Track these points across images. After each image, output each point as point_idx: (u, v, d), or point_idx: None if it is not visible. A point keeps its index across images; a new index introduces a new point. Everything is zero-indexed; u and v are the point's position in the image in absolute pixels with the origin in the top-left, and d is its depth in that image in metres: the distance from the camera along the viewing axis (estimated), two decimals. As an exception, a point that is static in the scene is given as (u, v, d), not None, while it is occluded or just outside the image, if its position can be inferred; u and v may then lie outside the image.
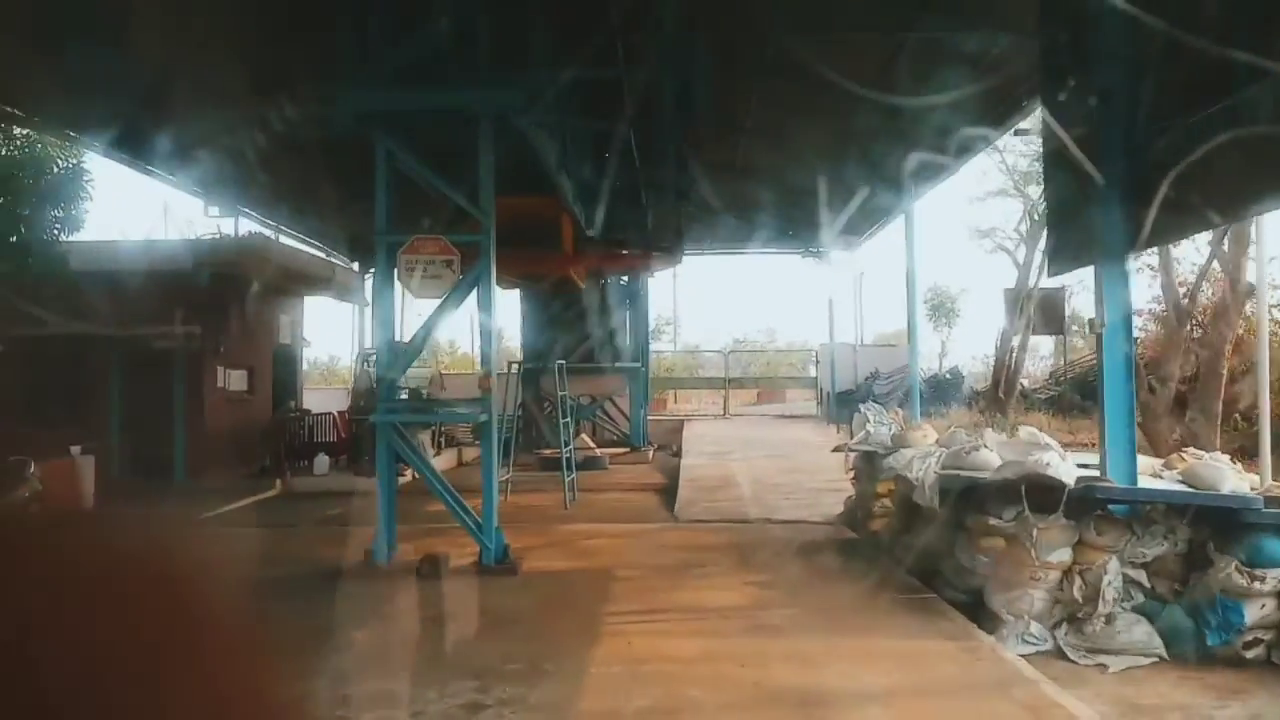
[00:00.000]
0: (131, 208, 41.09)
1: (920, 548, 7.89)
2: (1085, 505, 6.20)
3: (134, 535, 0.66)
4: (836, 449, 11.57)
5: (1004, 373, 19.85)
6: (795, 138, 14.13)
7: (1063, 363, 22.50)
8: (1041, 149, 8.87)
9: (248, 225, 17.05)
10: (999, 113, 11.86)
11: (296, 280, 17.52)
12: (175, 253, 15.24)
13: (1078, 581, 6.05)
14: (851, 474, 11.04)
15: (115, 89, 11.03)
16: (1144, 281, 21.85)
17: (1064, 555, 6.13)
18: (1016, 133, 14.09)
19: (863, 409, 10.11)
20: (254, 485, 14.62)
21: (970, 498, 7.01)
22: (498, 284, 17.37)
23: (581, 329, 18.84)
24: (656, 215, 13.77)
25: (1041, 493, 6.18)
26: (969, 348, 29.82)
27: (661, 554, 8.26)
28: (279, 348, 17.68)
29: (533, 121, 7.81)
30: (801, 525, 10.63)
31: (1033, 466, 6.20)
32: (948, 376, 21.76)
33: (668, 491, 13.82)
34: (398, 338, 7.74)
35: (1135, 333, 9.23)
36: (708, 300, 61.60)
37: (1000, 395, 19.44)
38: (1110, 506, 6.35)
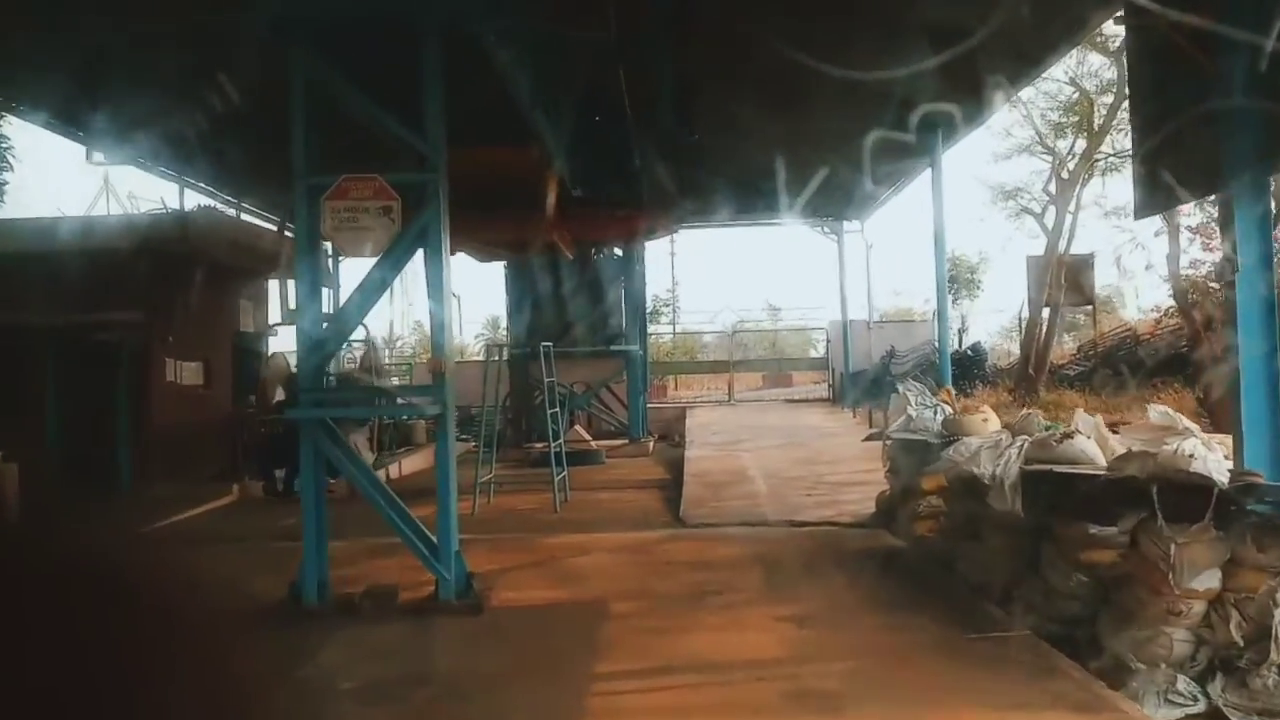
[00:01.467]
0: (67, 182, 39.10)
1: (990, 562, 6.30)
2: (1236, 512, 4.60)
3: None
4: (870, 437, 9.93)
5: (1034, 348, 18.23)
6: (805, 83, 12.49)
7: (1091, 336, 20.88)
8: (1126, 54, 7.22)
9: (201, 199, 15.43)
10: (1045, 41, 10.25)
11: (257, 259, 15.85)
12: (115, 230, 13.62)
13: (1234, 616, 4.45)
14: (887, 466, 9.44)
15: (28, 43, 9.49)
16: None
17: (1212, 580, 4.53)
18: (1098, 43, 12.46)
19: (902, 389, 8.51)
20: (208, 491, 13.00)
21: (1065, 500, 5.41)
22: (472, 255, 15.81)
23: (573, 309, 17.22)
24: (651, 172, 12.08)
25: (1180, 495, 4.57)
26: (988, 322, 28.13)
27: (667, 574, 6.67)
28: (240, 336, 16.04)
29: (493, 32, 6.16)
30: (830, 529, 9.05)
31: (1169, 460, 4.59)
32: (969, 354, 20.15)
33: (671, 489, 12.24)
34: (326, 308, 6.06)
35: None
36: (707, 278, 59.30)
37: (1031, 372, 17.82)
38: (1260, 510, 4.74)
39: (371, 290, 5.76)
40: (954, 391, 19.02)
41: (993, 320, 26.49)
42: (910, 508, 8.28)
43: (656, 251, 27.03)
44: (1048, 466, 5.39)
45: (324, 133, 5.99)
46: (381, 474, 14.14)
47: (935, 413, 8.17)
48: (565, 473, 11.88)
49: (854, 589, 6.21)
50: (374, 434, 15.01)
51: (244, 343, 16.26)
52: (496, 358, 11.82)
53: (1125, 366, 18.50)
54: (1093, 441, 5.55)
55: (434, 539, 5.79)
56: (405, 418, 17.21)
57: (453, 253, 14.33)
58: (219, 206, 15.71)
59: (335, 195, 5.57)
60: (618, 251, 17.80)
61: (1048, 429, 6.25)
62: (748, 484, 11.83)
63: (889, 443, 9.14)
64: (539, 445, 16.46)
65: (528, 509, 11.48)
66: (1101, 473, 5.25)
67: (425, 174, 5.67)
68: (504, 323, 18.00)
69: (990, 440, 6.36)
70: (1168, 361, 18.85)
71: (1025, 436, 5.93)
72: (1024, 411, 6.46)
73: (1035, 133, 18.15)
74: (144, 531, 9.78)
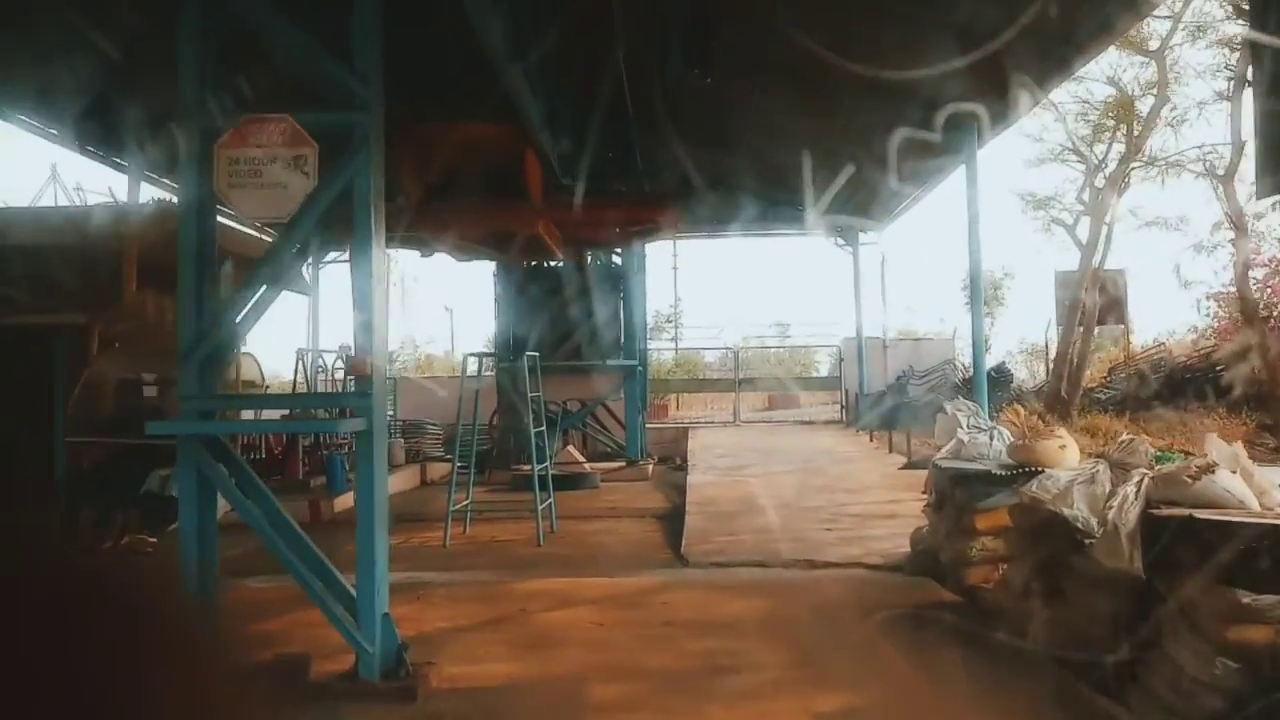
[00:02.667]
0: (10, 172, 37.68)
1: (1082, 629, 4.87)
2: None
3: None
4: (910, 465, 8.47)
5: (1066, 368, 16.80)
6: (829, 77, 11.18)
7: (1124, 356, 19.45)
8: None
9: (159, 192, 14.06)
10: (1078, 36, 9.03)
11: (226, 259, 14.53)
12: (59, 224, 12.27)
13: None
14: (928, 499, 8.01)
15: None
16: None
17: None
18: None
19: (950, 409, 7.12)
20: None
21: (1205, 555, 3.99)
22: (450, 253, 14.36)
23: (567, 320, 15.84)
24: (652, 155, 10.63)
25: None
26: (1012, 341, 26.65)
27: (665, 640, 5.22)
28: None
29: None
30: (861, 573, 7.64)
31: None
32: (994, 374, 18.71)
33: (671, 519, 10.82)
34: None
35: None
36: (712, 294, 57.32)
37: (1064, 394, 16.39)
38: None
39: (277, 264, 4.37)
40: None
41: (1017, 339, 25.03)
42: (959, 550, 6.85)
43: (659, 264, 25.72)
44: (1186, 512, 3.97)
45: (237, 70, 4.63)
46: (347, 499, 12.76)
47: (993, 438, 6.77)
48: (552, 499, 10.46)
49: (910, 664, 4.78)
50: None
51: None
52: (477, 370, 10.38)
53: (1163, 389, 17.08)
54: (1238, 478, 4.14)
55: (356, 594, 4.37)
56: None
57: (428, 249, 13.03)
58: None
59: (232, 142, 4.21)
60: (616, 259, 16.46)
61: (1160, 459, 4.84)
62: (758, 515, 10.40)
63: (933, 472, 7.72)
64: (526, 467, 15.06)
65: (507, 541, 10.07)
66: (1262, 521, 3.84)
67: (354, 113, 4.30)
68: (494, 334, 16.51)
69: (1083, 473, 4.95)
70: (1207, 384, 17.41)
71: (1141, 470, 4.50)
72: (1125, 437, 5.05)
73: (1068, 137, 16.78)
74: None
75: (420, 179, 8.72)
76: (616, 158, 10.16)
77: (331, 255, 19.47)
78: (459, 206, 9.26)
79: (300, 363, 13.55)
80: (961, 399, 7.72)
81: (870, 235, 19.13)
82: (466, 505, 10.58)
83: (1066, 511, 4.80)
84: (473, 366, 10.50)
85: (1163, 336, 20.73)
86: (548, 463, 10.70)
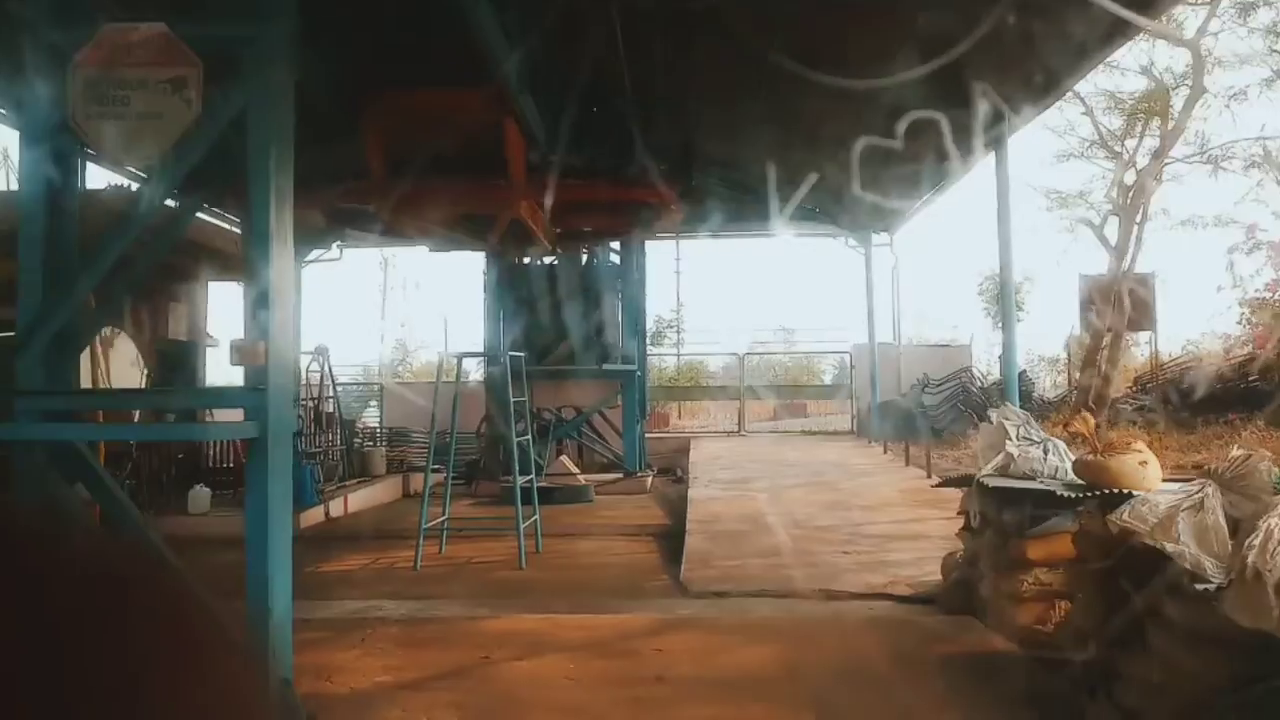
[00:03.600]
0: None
1: (1190, 694, 3.83)
2: None
3: None
4: (946, 483, 7.42)
5: (1093, 377, 15.74)
6: (845, 61, 10.18)
7: (1152, 365, 18.38)
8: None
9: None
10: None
11: (188, 256, 13.52)
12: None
13: None
14: (968, 520, 6.97)
15: None
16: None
17: None
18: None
19: (997, 416, 6.07)
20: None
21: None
22: (424, 241, 13.21)
23: (562, 321, 14.81)
24: (651, 137, 9.58)
25: None
26: (1032, 348, 25.53)
27: (656, 704, 4.13)
28: (166, 344, 13.64)
29: None
30: (887, 607, 6.59)
31: None
32: (1019, 385, 17.66)
33: (670, 538, 9.79)
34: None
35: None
36: (715, 300, 55.54)
37: (1090, 404, 15.31)
38: None
39: (141, 217, 3.36)
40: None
41: (1038, 346, 23.93)
42: (1006, 584, 5.81)
43: (660, 269, 24.67)
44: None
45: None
46: (317, 513, 11.72)
47: (1047, 451, 5.72)
48: (536, 516, 9.42)
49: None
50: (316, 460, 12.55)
51: (173, 353, 13.84)
52: (456, 372, 9.35)
53: (1196, 400, 16.03)
54: None
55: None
56: (358, 443, 14.81)
57: (394, 232, 11.86)
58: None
59: (91, 58, 3.20)
60: (614, 257, 15.44)
61: (1290, 482, 3.80)
62: (766, 535, 9.35)
63: (974, 490, 6.67)
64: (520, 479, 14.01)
65: (486, 562, 9.05)
66: None
67: (252, 24, 3.27)
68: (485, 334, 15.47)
69: (1187, 498, 3.90)
70: (1243, 395, 16.37)
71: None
72: (1236, 451, 3.99)
73: (1095, 130, 15.71)
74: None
75: (387, 154, 7.73)
76: (610, 134, 9.09)
77: (315, 253, 18.50)
78: (430, 186, 8.24)
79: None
80: (1009, 405, 6.66)
81: (882, 237, 18.10)
82: (442, 522, 9.54)
83: (1170, 547, 3.75)
84: (452, 368, 9.47)
85: (1191, 344, 19.69)
86: (533, 475, 9.65)
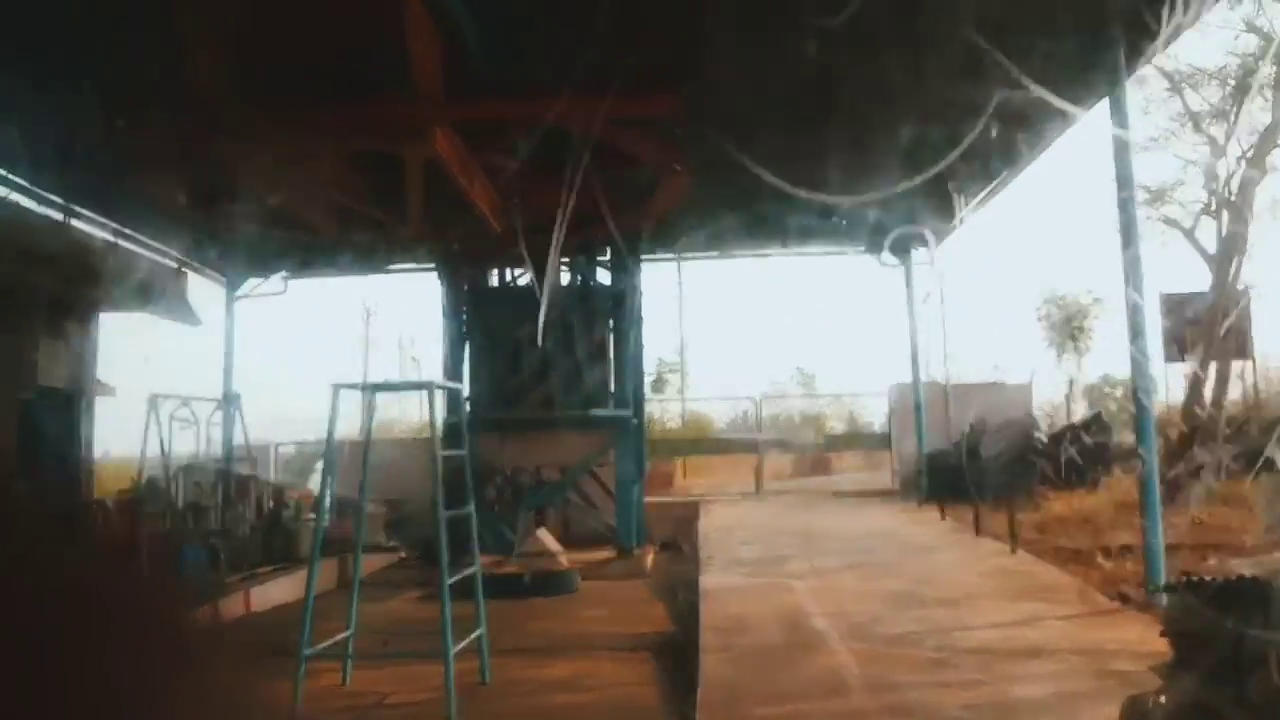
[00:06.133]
0: None
1: None
2: None
3: None
4: (1182, 584, 4.23)
5: (1191, 418, 12.73)
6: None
7: (1252, 400, 15.31)
8: None
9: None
10: None
11: (71, 281, 10.70)
12: None
13: None
14: (1173, 646, 3.99)
15: None
16: None
17: None
18: None
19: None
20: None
21: None
22: (300, 224, 9.60)
23: (538, 358, 11.91)
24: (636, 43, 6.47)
25: None
26: (1098, 383, 22.25)
27: None
28: (32, 391, 10.71)
29: None
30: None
31: None
32: (1093, 428, 14.65)
33: (678, 655, 6.83)
34: None
35: None
36: (722, 335, 51.01)
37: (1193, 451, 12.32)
38: None
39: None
40: (1073, 481, 13.33)
41: (1101, 373, 20.79)
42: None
43: (658, 302, 21.65)
44: None
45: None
46: (208, 609, 8.70)
47: None
48: (481, 631, 6.41)
49: None
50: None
51: (42, 405, 10.89)
52: (330, 418, 6.37)
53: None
54: None
55: None
56: (286, 516, 11.79)
57: (257, 188, 8.51)
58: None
59: None
60: (604, 279, 12.58)
61: None
62: (817, 653, 6.32)
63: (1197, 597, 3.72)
64: (484, 559, 10.98)
65: (402, 708, 6.03)
66: None
67: None
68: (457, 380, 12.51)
69: None
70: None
71: None
72: None
73: (1185, 109, 12.83)
74: None
75: (218, 56, 4.97)
76: (582, 33, 6.05)
77: (252, 284, 15.71)
78: (283, 101, 5.38)
79: (153, 413, 9.58)
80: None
81: (921, 255, 15.21)
82: (348, 637, 6.54)
83: None
84: (347, 402, 6.53)
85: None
86: (477, 566, 6.65)
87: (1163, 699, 3.98)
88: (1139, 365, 7.66)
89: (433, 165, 6.36)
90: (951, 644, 6.47)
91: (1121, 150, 7.28)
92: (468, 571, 6.41)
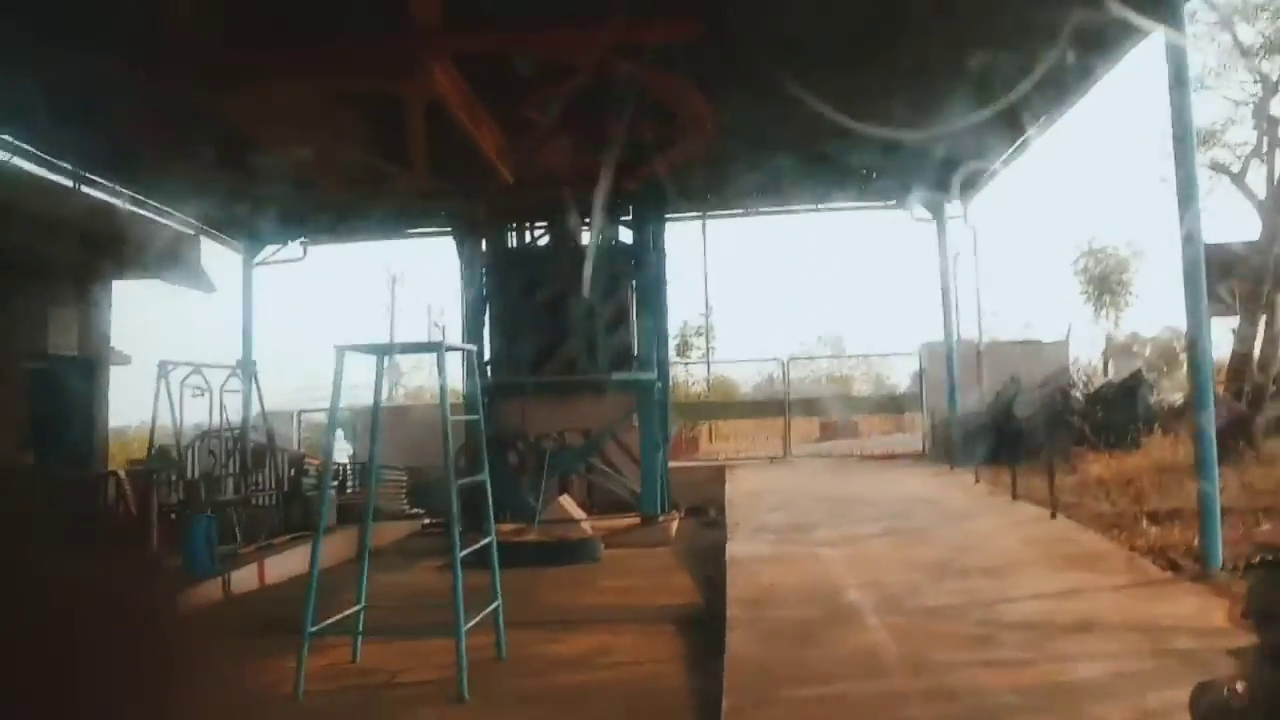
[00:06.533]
0: None
1: None
2: None
3: None
4: (1257, 564, 3.82)
5: (1245, 376, 12.18)
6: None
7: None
8: None
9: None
10: None
11: (79, 247, 10.42)
12: None
13: None
14: (1258, 630, 3.56)
15: None
16: None
17: None
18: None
19: None
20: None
21: None
22: (287, 151, 9.04)
23: (559, 320, 11.57)
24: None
25: None
26: (1139, 339, 21.62)
27: None
28: (43, 360, 10.51)
29: None
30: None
31: None
32: (1131, 385, 14.10)
33: (703, 628, 6.51)
34: None
35: None
36: (746, 298, 49.75)
37: (1244, 410, 11.79)
38: None
39: None
40: (1098, 442, 12.70)
41: (1147, 336, 20.18)
42: None
43: (681, 264, 21.11)
44: None
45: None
46: (212, 589, 8.51)
47: None
48: (497, 605, 6.12)
49: None
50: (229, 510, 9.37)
51: (55, 371, 10.69)
52: (335, 378, 6.05)
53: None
54: None
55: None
56: (307, 484, 11.58)
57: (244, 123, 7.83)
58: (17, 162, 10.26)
59: None
60: (624, 236, 12.17)
61: None
62: (851, 628, 5.97)
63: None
64: (505, 527, 10.73)
65: (412, 686, 5.78)
66: None
67: None
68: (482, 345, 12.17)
69: None
70: None
71: None
72: None
73: (1235, 43, 12.03)
74: None
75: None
76: None
77: (269, 250, 15.42)
78: (268, 38, 4.96)
79: (163, 381, 9.32)
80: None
81: (954, 207, 14.62)
82: (356, 613, 6.26)
83: None
84: (358, 366, 6.23)
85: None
86: (492, 536, 6.33)
87: (1240, 688, 3.60)
88: (1197, 321, 7.18)
89: (438, 113, 5.96)
90: (995, 618, 6.10)
91: (1178, 71, 6.73)
92: (483, 542, 6.09)
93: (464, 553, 5.92)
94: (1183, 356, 20.47)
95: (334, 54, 5.49)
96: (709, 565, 8.60)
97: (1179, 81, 6.96)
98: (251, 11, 4.86)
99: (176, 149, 9.42)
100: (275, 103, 5.75)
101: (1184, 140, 7.06)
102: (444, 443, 5.84)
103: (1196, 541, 7.81)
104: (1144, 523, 8.85)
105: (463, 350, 6.75)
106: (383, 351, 6.25)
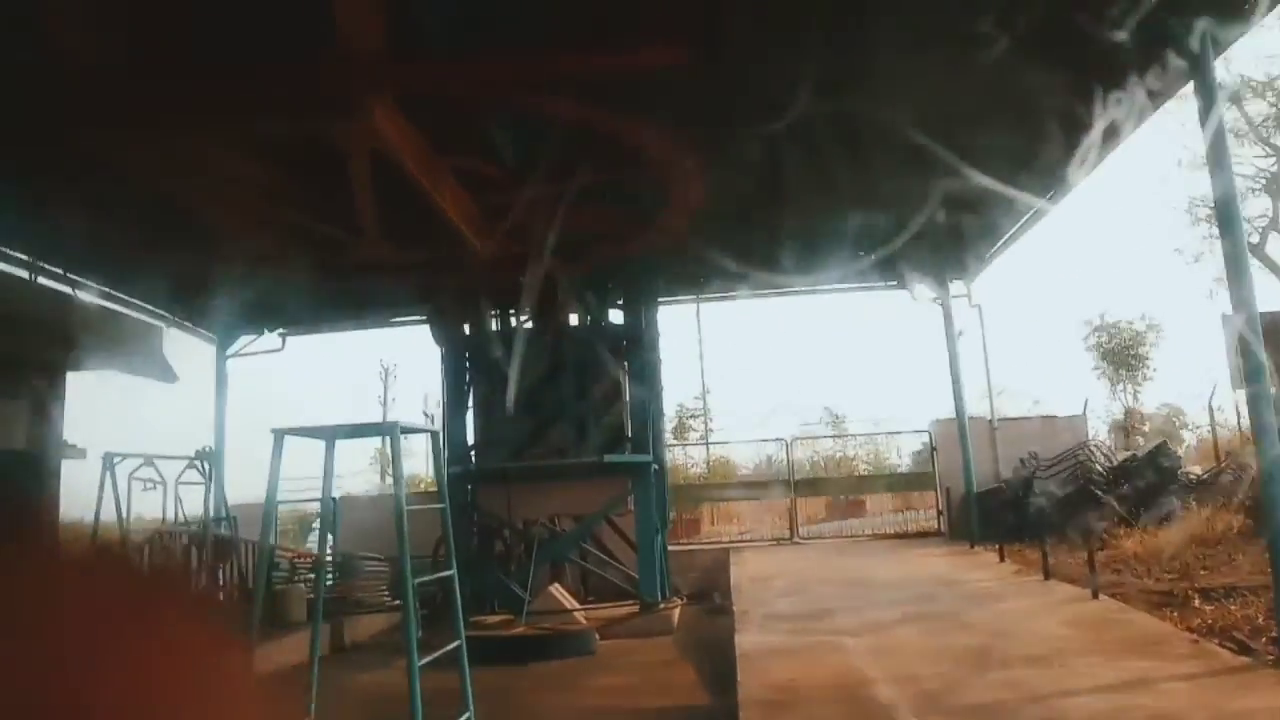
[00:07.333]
0: None
1: None
2: None
3: None
4: None
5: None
6: None
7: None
8: None
9: None
10: None
11: (32, 337, 9.77)
12: None
13: None
14: None
15: None
16: None
17: None
18: None
19: None
20: None
21: None
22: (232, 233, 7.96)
23: (549, 401, 10.85)
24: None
25: None
26: (1160, 414, 20.88)
27: None
28: (-10, 455, 9.70)
29: None
30: None
31: None
32: (1161, 461, 13.28)
33: (712, 738, 5.58)
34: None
35: None
36: (744, 377, 49.27)
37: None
38: None
39: None
40: (1130, 520, 12.03)
41: (1163, 409, 19.48)
42: None
43: (677, 344, 20.45)
44: None
45: None
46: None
47: None
48: (469, 715, 5.21)
49: None
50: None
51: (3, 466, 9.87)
52: (273, 466, 5.27)
53: None
54: None
55: None
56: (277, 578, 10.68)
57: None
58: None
59: None
60: (617, 315, 11.52)
61: None
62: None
63: None
64: (492, 618, 9.81)
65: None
66: None
67: None
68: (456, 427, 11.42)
69: None
70: None
71: None
72: None
73: (1244, 120, 11.74)
74: None
75: (89, 18, 3.97)
76: None
77: (244, 341, 14.78)
78: (173, 70, 4.29)
79: (108, 473, 8.51)
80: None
81: (958, 286, 14.08)
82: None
83: None
84: (341, 454, 5.45)
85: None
86: (461, 637, 5.46)
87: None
88: (1258, 391, 6.53)
89: (392, 169, 5.24)
90: (1057, 717, 5.21)
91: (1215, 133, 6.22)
92: (452, 645, 5.23)
93: (436, 655, 5.09)
94: (1183, 433, 19.66)
95: (248, 88, 4.69)
96: (716, 658, 7.68)
97: (1219, 166, 6.48)
98: (156, 40, 4.19)
99: (125, 231, 8.88)
100: (191, 154, 5.10)
101: (1229, 211, 6.56)
102: (398, 534, 5.02)
103: (1261, 620, 7.00)
104: (1196, 600, 8.00)
105: (428, 432, 5.99)
106: (330, 436, 5.48)
